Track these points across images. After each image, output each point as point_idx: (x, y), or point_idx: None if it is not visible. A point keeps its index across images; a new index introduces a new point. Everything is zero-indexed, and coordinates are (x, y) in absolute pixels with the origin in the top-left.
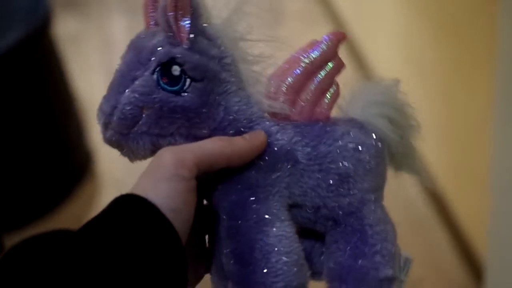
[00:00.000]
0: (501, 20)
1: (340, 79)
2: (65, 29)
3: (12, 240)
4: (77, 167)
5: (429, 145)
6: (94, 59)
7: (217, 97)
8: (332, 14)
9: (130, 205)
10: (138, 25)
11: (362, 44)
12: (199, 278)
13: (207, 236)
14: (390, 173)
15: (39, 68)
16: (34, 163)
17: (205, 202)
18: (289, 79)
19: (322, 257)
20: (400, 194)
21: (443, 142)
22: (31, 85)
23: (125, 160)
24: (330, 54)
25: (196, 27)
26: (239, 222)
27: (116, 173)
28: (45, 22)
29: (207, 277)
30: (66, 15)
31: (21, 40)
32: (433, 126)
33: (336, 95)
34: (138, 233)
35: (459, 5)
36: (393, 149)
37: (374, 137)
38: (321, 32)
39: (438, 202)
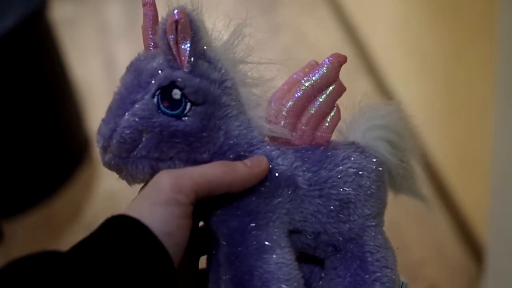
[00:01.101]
0: (500, 5)
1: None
2: (62, 13)
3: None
4: (75, 152)
5: (431, 132)
6: (90, 43)
7: (217, 121)
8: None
9: (122, 226)
10: (134, 9)
11: (361, 29)
12: None
13: (201, 259)
14: None
15: (36, 52)
16: (31, 148)
17: (200, 224)
18: (289, 102)
19: (321, 282)
20: None
21: (444, 128)
22: (28, 70)
23: None
24: (331, 78)
25: (196, 50)
26: (239, 248)
27: None
28: (41, 6)
29: None
30: None
31: (17, 24)
32: (434, 112)
33: (336, 118)
34: (130, 255)
35: None
36: (393, 172)
37: (375, 161)
38: (320, 16)
39: (439, 186)
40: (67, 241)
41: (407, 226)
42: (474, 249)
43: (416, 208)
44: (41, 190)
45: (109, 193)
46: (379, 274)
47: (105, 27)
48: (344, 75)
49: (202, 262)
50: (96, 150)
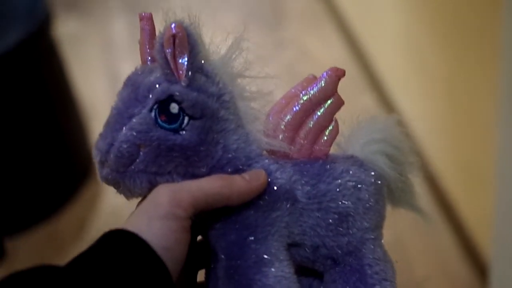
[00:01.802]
0: (504, 20)
1: (343, 79)
2: (66, 30)
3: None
4: (79, 168)
5: (434, 145)
6: (94, 59)
7: (215, 135)
8: (335, 14)
9: (121, 241)
10: (138, 27)
11: (365, 43)
12: None
13: (199, 272)
14: None
15: (40, 69)
16: (36, 164)
17: (198, 238)
18: (288, 116)
19: None
20: None
21: (448, 142)
22: (31, 87)
23: None
24: (329, 91)
25: (194, 64)
26: (238, 262)
27: None
28: (44, 23)
29: None
30: (66, 15)
31: (20, 41)
32: (438, 127)
33: (335, 132)
34: (128, 270)
35: (462, 5)
36: (392, 186)
37: (374, 174)
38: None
39: (443, 201)
40: (71, 258)
41: (411, 242)
42: (478, 266)
43: (419, 224)
44: (45, 207)
45: (113, 209)
46: (378, 287)
47: (109, 44)
48: (348, 91)
49: (201, 276)
50: None
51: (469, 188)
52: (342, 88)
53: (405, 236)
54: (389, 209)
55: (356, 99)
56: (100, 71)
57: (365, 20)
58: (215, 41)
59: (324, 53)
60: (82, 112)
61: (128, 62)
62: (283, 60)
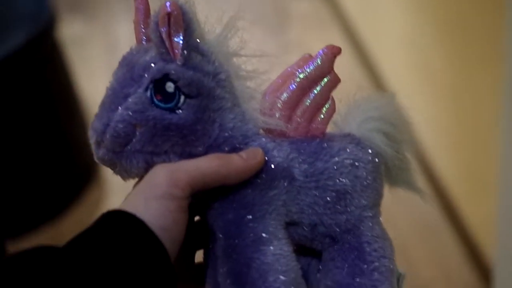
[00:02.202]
0: (508, 22)
1: (348, 81)
2: (70, 32)
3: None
4: (83, 171)
5: (438, 150)
6: (99, 62)
7: (212, 114)
8: (339, 17)
9: (118, 222)
10: None
11: (369, 46)
12: None
13: (197, 253)
14: None
15: (44, 71)
16: (39, 167)
17: (196, 218)
18: (284, 94)
19: (318, 274)
20: (409, 199)
21: (452, 146)
22: (35, 89)
23: None
24: (326, 69)
25: (189, 43)
26: (236, 241)
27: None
28: (48, 25)
29: None
30: (71, 18)
31: (25, 43)
32: (441, 130)
33: (331, 110)
34: (126, 251)
35: (466, 7)
36: (389, 164)
37: (371, 152)
38: (328, 35)
39: (447, 206)
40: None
41: (415, 247)
42: (482, 269)
43: (423, 228)
44: (48, 210)
45: None
46: (377, 264)
47: (114, 46)
48: (352, 92)
49: (199, 256)
50: (104, 169)
51: (472, 191)
52: (346, 90)
53: (409, 240)
54: (391, 214)
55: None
56: (104, 73)
57: (369, 22)
58: (210, 19)
59: None
60: (86, 114)
61: None
62: (288, 63)
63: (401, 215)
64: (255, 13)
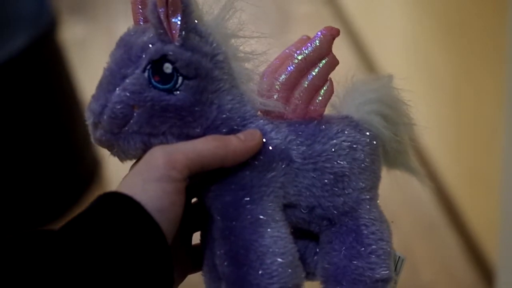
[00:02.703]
0: (510, 21)
1: (346, 78)
2: (72, 34)
3: None
4: (85, 173)
5: (440, 150)
6: (101, 63)
7: (210, 96)
8: (341, 17)
9: (115, 204)
10: None
11: (370, 47)
12: (184, 277)
13: (194, 235)
14: (401, 178)
15: (45, 74)
16: (42, 169)
17: (193, 200)
18: (282, 76)
19: (316, 257)
20: (410, 198)
21: (454, 146)
22: (37, 91)
23: None
24: (324, 51)
25: (187, 24)
26: (233, 223)
27: None
28: (50, 27)
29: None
30: (72, 19)
31: (26, 46)
32: (443, 129)
33: (329, 92)
34: (122, 232)
35: (468, 6)
36: (387, 147)
37: (369, 134)
38: None
39: (449, 206)
40: None
41: (417, 247)
42: (484, 270)
43: (425, 229)
44: (50, 212)
45: None
46: (374, 247)
47: None
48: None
49: (196, 238)
50: (107, 171)
51: (475, 193)
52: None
53: (411, 241)
54: (394, 215)
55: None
56: None
57: (371, 24)
58: (208, 0)
59: None
60: None
61: None
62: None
63: (404, 215)
64: (257, 15)
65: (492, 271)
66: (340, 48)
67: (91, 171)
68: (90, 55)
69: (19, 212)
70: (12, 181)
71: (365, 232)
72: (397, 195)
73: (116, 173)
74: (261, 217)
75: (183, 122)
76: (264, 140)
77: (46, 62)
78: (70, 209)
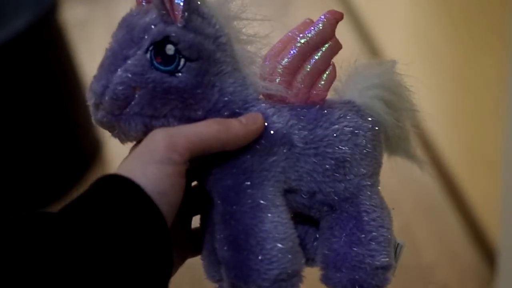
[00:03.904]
0: None
1: (348, 63)
2: (73, 15)
3: None
4: (86, 153)
5: (441, 130)
6: (102, 44)
7: (212, 78)
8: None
9: (114, 186)
10: None
11: (372, 30)
12: (183, 260)
13: (193, 218)
14: (402, 160)
15: (47, 53)
16: (43, 150)
17: (193, 183)
18: (285, 59)
19: (315, 243)
20: (412, 180)
21: (455, 127)
22: (39, 71)
23: None
24: (327, 35)
25: (190, 5)
26: (234, 207)
27: None
28: (51, 8)
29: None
30: (73, 0)
31: (28, 26)
32: (445, 110)
33: (332, 76)
34: (122, 215)
35: None
36: (389, 132)
37: (371, 120)
38: None
39: (450, 187)
40: None
41: (418, 228)
42: (486, 252)
43: (426, 209)
44: (52, 192)
45: None
46: (375, 233)
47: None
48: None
49: (195, 221)
50: (107, 152)
51: (476, 174)
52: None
53: (413, 221)
54: (396, 197)
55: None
56: None
57: (373, 5)
58: None
59: None
60: None
61: None
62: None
63: (405, 196)
64: None
65: (494, 252)
66: (341, 31)
67: (92, 151)
68: (91, 35)
69: (21, 192)
70: (14, 162)
71: (366, 218)
72: (398, 176)
73: (118, 153)
74: (262, 202)
75: (185, 104)
76: (265, 124)
77: (48, 42)
78: (71, 189)
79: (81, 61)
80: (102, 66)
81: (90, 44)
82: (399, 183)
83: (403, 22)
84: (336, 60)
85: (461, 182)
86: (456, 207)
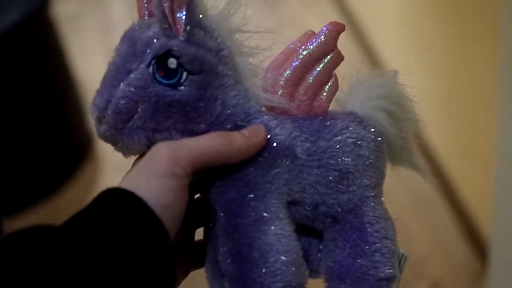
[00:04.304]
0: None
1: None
2: (64, 10)
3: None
4: (78, 148)
5: (433, 125)
6: (93, 39)
7: (214, 91)
8: None
9: (117, 200)
10: (137, 5)
11: (364, 23)
12: (187, 273)
13: (197, 231)
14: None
15: (38, 49)
16: (34, 145)
17: (196, 196)
18: (287, 71)
19: (319, 254)
20: (404, 174)
21: (447, 122)
22: (30, 67)
23: None
24: (329, 46)
25: (192, 19)
26: (237, 220)
27: (117, 154)
28: (43, 2)
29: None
30: None
31: (19, 21)
32: (437, 105)
33: (334, 88)
34: (125, 228)
35: None
36: (392, 143)
37: (374, 131)
38: (323, 12)
39: (442, 181)
40: None
41: (410, 222)
42: (478, 246)
43: (419, 204)
44: (44, 188)
45: None
46: (379, 245)
47: (109, 23)
48: (346, 69)
49: (198, 234)
50: (100, 147)
51: (468, 166)
52: (339, 66)
53: (405, 215)
54: (388, 190)
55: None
56: (99, 51)
57: (366, 1)
58: None
59: None
60: (80, 91)
61: None
62: (282, 39)
63: (397, 189)
64: None
65: (486, 246)
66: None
67: (84, 146)
68: (83, 29)
69: (13, 187)
70: (5, 157)
71: (370, 230)
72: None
73: (109, 148)
74: (265, 214)
75: (187, 117)
76: (268, 136)
77: (39, 37)
78: (63, 183)
79: (73, 56)
80: (104, 80)
81: (82, 38)
82: (392, 176)
83: (396, 20)
84: (337, 70)
85: (452, 176)
86: (448, 200)
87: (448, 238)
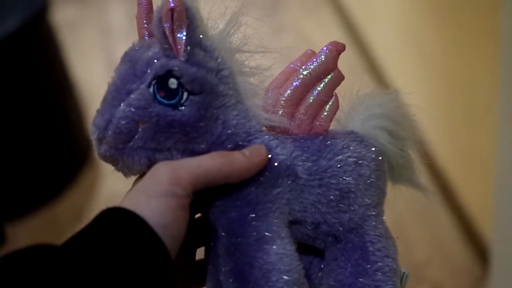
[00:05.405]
0: (503, 4)
1: (341, 64)
2: (63, 16)
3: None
4: (78, 154)
5: (434, 130)
6: (92, 45)
7: (215, 111)
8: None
9: (118, 219)
10: (136, 11)
11: (363, 28)
12: None
13: (198, 250)
14: None
15: (38, 55)
16: (34, 151)
17: (197, 215)
18: (287, 91)
19: (320, 273)
20: None
21: (447, 126)
22: (30, 72)
23: None
24: (330, 66)
25: (192, 39)
26: (239, 239)
27: None
28: (42, 9)
29: None
30: (64, 1)
31: (19, 27)
32: (437, 112)
33: (335, 107)
34: (126, 248)
35: None
36: (392, 162)
37: (374, 150)
38: (322, 18)
39: (443, 186)
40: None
41: (411, 226)
42: (479, 249)
43: (419, 208)
44: (44, 193)
45: (111, 195)
46: (380, 264)
47: (107, 29)
48: (346, 75)
49: (200, 253)
50: None
51: (469, 171)
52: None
53: (405, 220)
54: (388, 194)
55: (353, 83)
56: (98, 57)
57: (363, 4)
58: (213, 15)
59: (322, 37)
60: (80, 97)
61: (126, 48)
62: (282, 46)
63: (397, 193)
64: None
65: (486, 249)
66: (332, 32)
67: (83, 151)
68: (82, 36)
69: (14, 192)
70: (5, 163)
71: (371, 249)
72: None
73: None
74: (267, 234)
75: (188, 137)
76: (269, 156)
77: (38, 43)
78: (63, 189)
79: (72, 62)
80: (105, 100)
81: (81, 45)
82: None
83: (393, 22)
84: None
85: (453, 180)
86: (449, 205)
87: (448, 242)
